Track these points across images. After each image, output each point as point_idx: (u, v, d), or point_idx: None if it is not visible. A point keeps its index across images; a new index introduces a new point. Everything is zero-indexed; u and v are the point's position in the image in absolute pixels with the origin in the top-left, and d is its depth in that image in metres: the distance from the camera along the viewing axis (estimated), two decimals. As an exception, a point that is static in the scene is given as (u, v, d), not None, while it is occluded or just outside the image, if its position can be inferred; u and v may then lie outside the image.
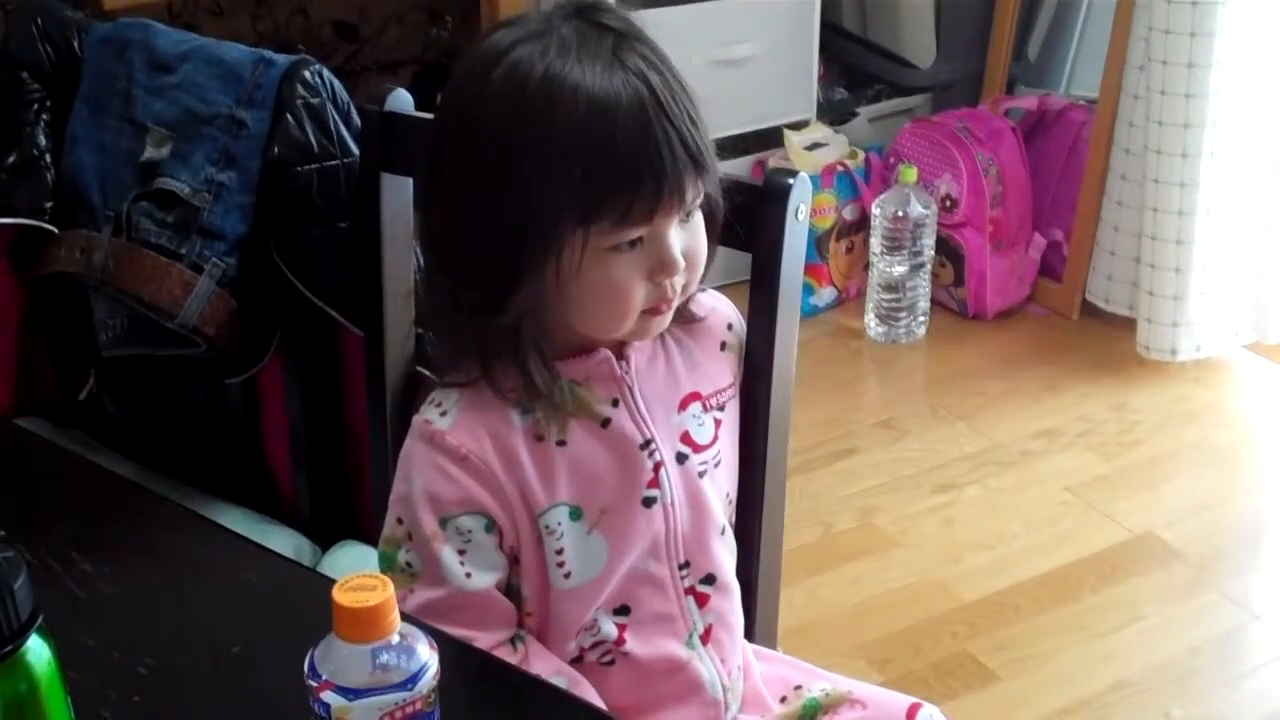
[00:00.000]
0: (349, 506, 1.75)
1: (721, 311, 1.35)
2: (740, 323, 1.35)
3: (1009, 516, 2.66)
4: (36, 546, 1.23)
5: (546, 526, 1.23)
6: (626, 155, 1.13)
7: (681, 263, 1.19)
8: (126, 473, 1.78)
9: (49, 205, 1.75)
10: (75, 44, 1.76)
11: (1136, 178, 3.04)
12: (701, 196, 1.20)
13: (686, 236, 1.20)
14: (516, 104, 1.14)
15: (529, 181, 1.13)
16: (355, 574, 0.91)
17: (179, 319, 1.59)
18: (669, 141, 1.14)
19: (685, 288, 1.23)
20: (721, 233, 1.26)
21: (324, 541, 1.75)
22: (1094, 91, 3.22)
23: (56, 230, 1.73)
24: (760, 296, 1.31)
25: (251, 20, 4.07)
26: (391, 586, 0.90)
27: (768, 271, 1.30)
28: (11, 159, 1.76)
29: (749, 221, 1.27)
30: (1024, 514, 2.66)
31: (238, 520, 1.73)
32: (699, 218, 1.22)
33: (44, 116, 1.76)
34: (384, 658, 0.90)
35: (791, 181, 1.27)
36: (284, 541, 1.72)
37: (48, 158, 1.75)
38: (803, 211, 1.28)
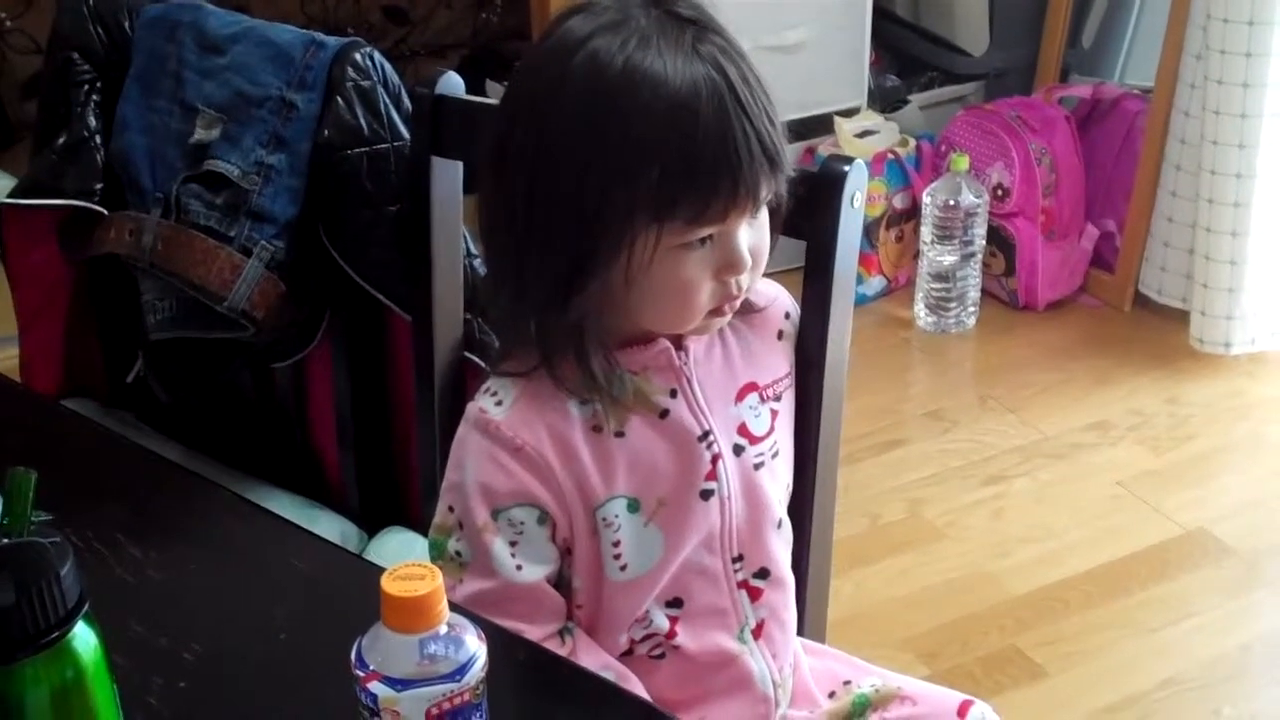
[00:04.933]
0: (396, 492, 1.75)
1: (779, 301, 1.33)
2: (797, 311, 1.34)
3: (1058, 510, 2.63)
4: (84, 530, 1.23)
5: (604, 519, 1.22)
6: (706, 155, 1.11)
7: (749, 261, 1.18)
8: (173, 456, 1.78)
9: (99, 187, 1.74)
10: (126, 25, 1.76)
11: (1192, 168, 3.00)
12: (773, 193, 1.18)
13: (753, 233, 1.18)
14: (595, 96, 1.11)
15: (605, 177, 1.11)
16: (404, 563, 0.90)
17: (227, 302, 1.58)
18: (748, 141, 1.12)
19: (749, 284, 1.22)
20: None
21: (371, 527, 1.75)
22: (1149, 80, 3.17)
23: (106, 212, 1.73)
24: (814, 285, 1.29)
25: (301, 3, 4.06)
26: (440, 576, 0.89)
27: (823, 259, 1.28)
28: (62, 140, 1.76)
29: (804, 209, 1.25)
30: (1074, 507, 2.63)
31: (284, 505, 1.73)
32: (764, 213, 1.20)
33: (94, 98, 1.76)
34: (432, 648, 0.89)
35: (847, 169, 1.25)
36: (330, 527, 1.71)
37: (98, 139, 1.75)
38: (858, 199, 1.27)
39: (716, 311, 1.21)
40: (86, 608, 0.78)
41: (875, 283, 3.31)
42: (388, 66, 1.61)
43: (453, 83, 1.44)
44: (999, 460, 2.76)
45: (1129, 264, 3.22)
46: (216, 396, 1.82)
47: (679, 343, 1.24)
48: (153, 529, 1.26)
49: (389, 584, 0.88)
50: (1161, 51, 3.08)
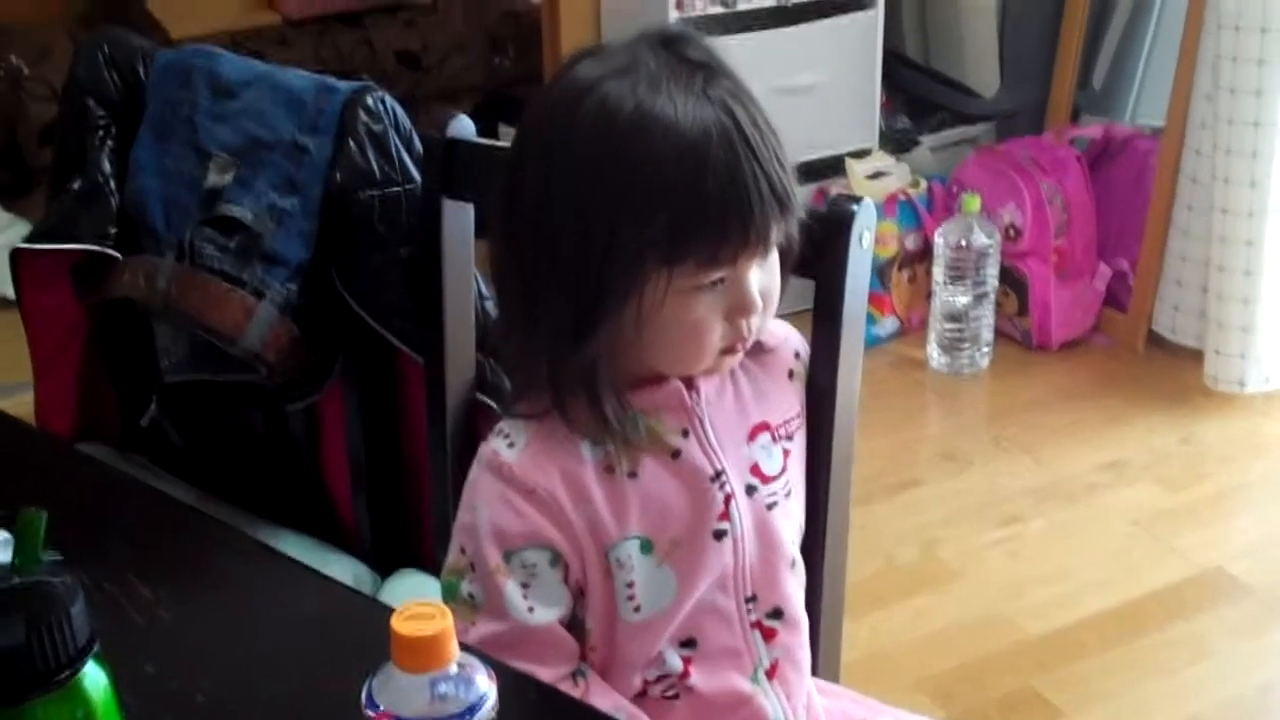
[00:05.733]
0: (409, 534, 1.75)
1: (790, 340, 1.33)
2: (807, 351, 1.34)
3: (1074, 550, 2.62)
4: (96, 572, 1.22)
5: (617, 560, 1.21)
6: (717, 200, 1.11)
7: (760, 303, 1.18)
8: (187, 499, 1.78)
9: (113, 231, 1.76)
10: (141, 71, 1.77)
11: (1204, 207, 3.00)
12: (783, 235, 1.18)
13: (764, 275, 1.19)
14: (605, 141, 1.12)
15: (615, 221, 1.11)
16: (414, 602, 0.89)
17: (240, 345, 1.59)
18: (758, 185, 1.12)
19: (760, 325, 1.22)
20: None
21: (384, 569, 1.75)
22: (1160, 120, 3.18)
23: (120, 256, 1.74)
24: (824, 324, 1.29)
25: (315, 49, 4.10)
26: (450, 615, 0.88)
27: (832, 299, 1.28)
28: (77, 185, 1.78)
29: (813, 248, 1.25)
30: (1089, 548, 2.62)
31: (298, 547, 1.73)
32: (775, 254, 1.20)
33: (109, 143, 1.77)
34: (442, 688, 0.89)
35: (855, 208, 1.25)
36: (343, 569, 1.71)
37: (112, 184, 1.76)
38: (866, 238, 1.27)
39: (728, 352, 1.21)
40: (96, 647, 0.78)
41: (888, 323, 3.31)
42: (399, 110, 1.62)
43: (464, 126, 1.45)
44: (1014, 501, 2.76)
45: (1142, 303, 3.22)
46: (230, 439, 1.83)
47: (690, 383, 1.24)
48: (164, 570, 1.26)
49: (399, 623, 0.88)
50: (1172, 91, 3.09)
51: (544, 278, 1.16)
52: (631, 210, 1.11)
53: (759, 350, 1.28)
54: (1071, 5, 3.38)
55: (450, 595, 1.23)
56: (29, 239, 1.80)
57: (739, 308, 1.17)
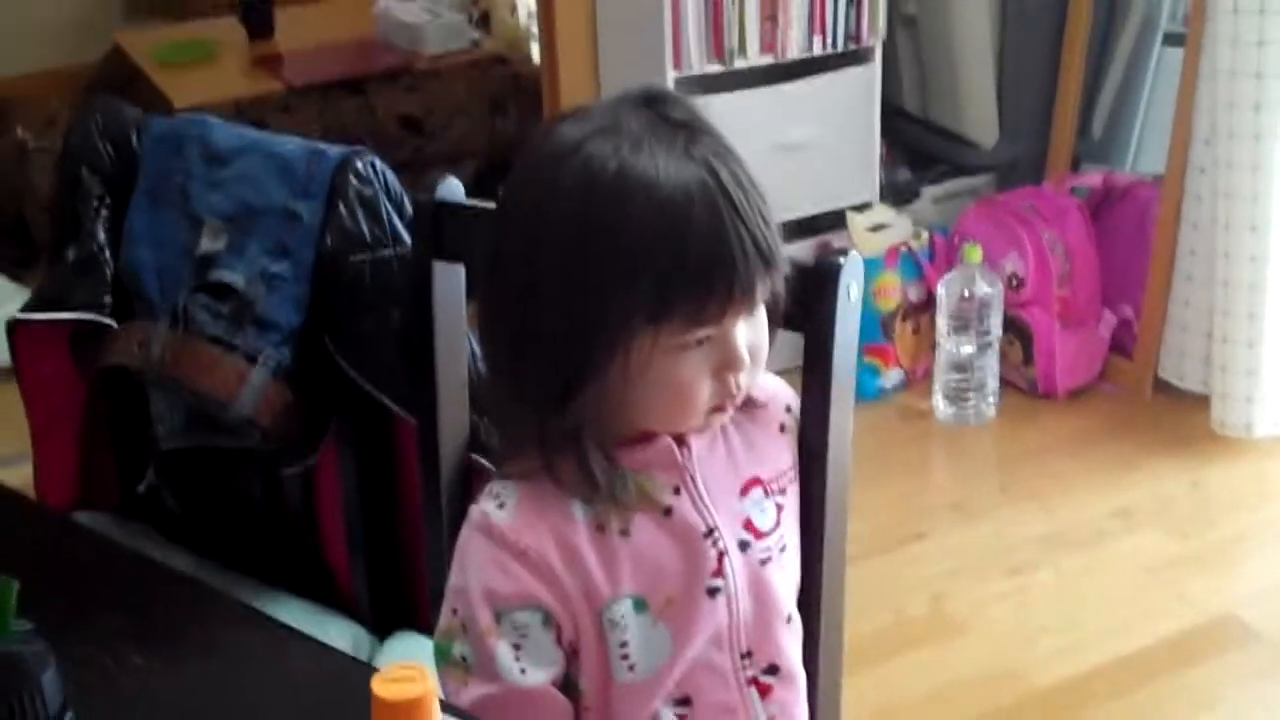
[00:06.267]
0: (407, 596, 1.74)
1: (780, 395, 1.33)
2: (798, 404, 1.33)
3: (1083, 599, 2.60)
4: (87, 641, 1.23)
5: (610, 620, 1.21)
6: (701, 258, 1.12)
7: (748, 360, 1.18)
8: (186, 566, 1.79)
9: (109, 300, 1.77)
10: (134, 140, 1.78)
11: (1206, 252, 3.00)
12: (769, 292, 1.18)
13: (751, 331, 1.19)
14: (588, 203, 1.12)
15: (600, 281, 1.12)
16: (395, 664, 0.89)
17: (233, 410, 1.59)
18: (742, 242, 1.12)
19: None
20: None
21: (382, 632, 1.74)
22: (1161, 167, 3.18)
23: (115, 324, 1.74)
24: (814, 378, 1.29)
25: (319, 115, 4.12)
26: (431, 678, 0.88)
27: (820, 352, 1.28)
28: (72, 254, 1.79)
29: (801, 302, 1.25)
30: (1098, 596, 2.61)
31: (296, 612, 1.72)
32: (762, 310, 1.20)
33: (104, 212, 1.78)
34: (426, 752, 0.89)
35: (842, 261, 1.25)
36: (341, 632, 1.70)
37: (107, 253, 1.77)
38: (854, 291, 1.27)
39: (717, 409, 1.21)
40: (70, 716, 0.78)
41: (893, 375, 3.30)
42: (389, 174, 1.63)
43: (452, 188, 1.45)
44: (1021, 550, 2.74)
45: (1147, 350, 3.21)
46: (227, 505, 1.83)
47: (681, 439, 1.24)
48: (156, 639, 1.26)
49: (380, 687, 0.88)
50: (1171, 137, 3.09)
51: (529, 339, 1.16)
52: (615, 270, 1.11)
53: (750, 405, 1.28)
54: (1069, 54, 3.39)
55: (443, 657, 1.22)
56: (25, 308, 1.81)
57: (727, 365, 1.17)
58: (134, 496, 1.90)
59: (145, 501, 1.88)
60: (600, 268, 1.11)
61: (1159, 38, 3.36)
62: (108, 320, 1.76)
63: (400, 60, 4.24)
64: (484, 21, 4.61)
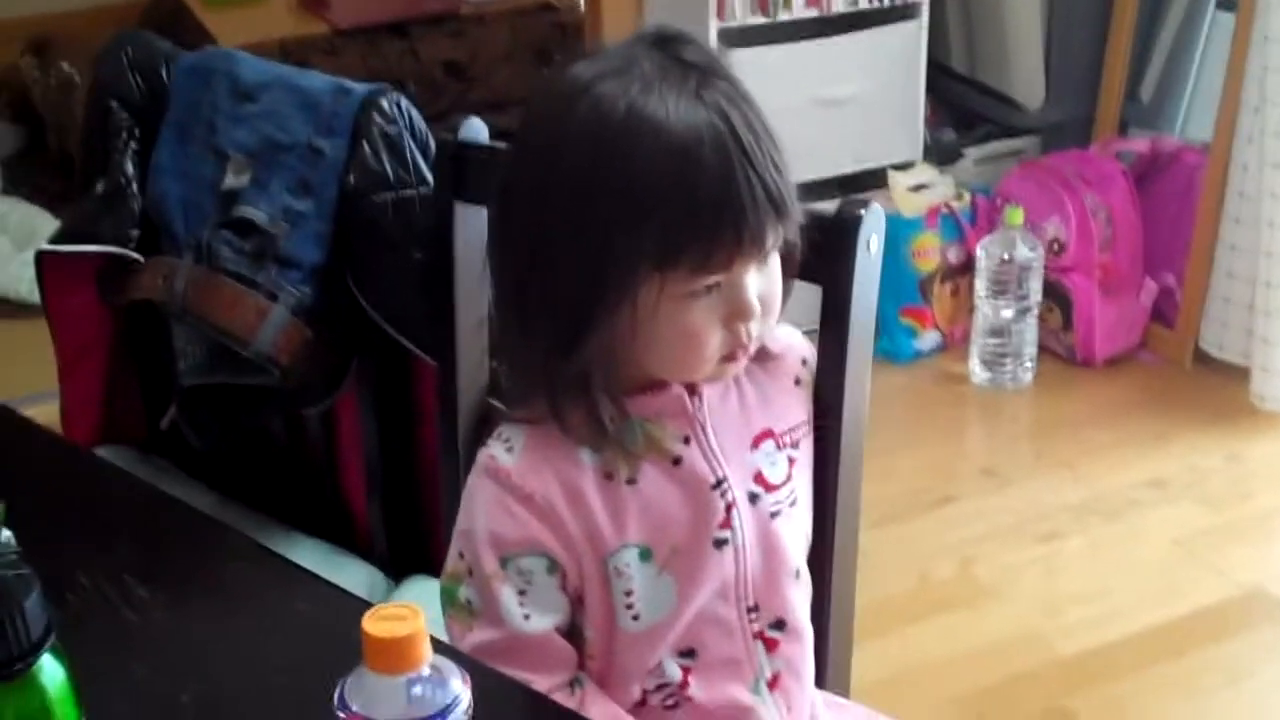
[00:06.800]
0: (423, 539, 1.73)
1: (796, 347, 1.31)
2: (814, 358, 1.31)
3: (1113, 569, 2.58)
4: (96, 573, 1.23)
5: (615, 568, 1.20)
6: (708, 203, 1.10)
7: (758, 308, 1.16)
8: (206, 503, 1.79)
9: (135, 233, 1.76)
10: (164, 73, 1.77)
11: (1251, 222, 2.95)
12: (781, 241, 1.16)
13: (763, 280, 1.17)
14: (597, 144, 1.11)
15: (607, 225, 1.10)
16: (388, 604, 0.88)
17: (252, 347, 1.59)
18: (751, 189, 1.10)
19: (761, 331, 1.19)
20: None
21: (398, 574, 1.73)
22: (1209, 134, 3.13)
23: (141, 258, 1.74)
24: (830, 332, 1.27)
25: (363, 58, 4.11)
26: (421, 616, 0.87)
27: (838, 305, 1.26)
28: (100, 188, 1.78)
29: (819, 254, 1.23)
30: (1129, 566, 2.58)
31: (312, 553, 1.72)
32: (775, 259, 1.18)
33: (133, 145, 1.77)
34: (415, 690, 0.88)
35: (862, 212, 1.23)
36: (358, 574, 1.70)
37: (134, 186, 1.76)
38: (875, 243, 1.25)
39: (729, 358, 1.19)
40: (52, 640, 0.77)
41: (930, 338, 3.27)
42: (415, 113, 1.62)
43: (475, 128, 1.44)
44: (1053, 518, 2.71)
45: (1189, 320, 3.17)
46: (248, 443, 1.82)
47: (693, 389, 1.22)
48: (163, 573, 1.25)
49: (371, 624, 0.87)
50: (1219, 104, 3.04)
51: (538, 281, 1.15)
52: (622, 213, 1.09)
53: (764, 356, 1.26)
54: (1119, 16, 3.33)
55: (449, 600, 1.22)
56: (52, 240, 1.80)
57: (737, 313, 1.15)
58: (157, 432, 1.90)
59: (168, 438, 1.87)
60: (607, 209, 1.10)
61: (1213, 1, 3.30)
62: (134, 254, 1.75)
63: (446, 5, 4.22)
64: (535, -33, 4.58)
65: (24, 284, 3.37)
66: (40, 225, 3.58)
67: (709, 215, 1.09)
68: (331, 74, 1.73)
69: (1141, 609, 2.46)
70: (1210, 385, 3.11)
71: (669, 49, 1.14)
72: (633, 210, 1.09)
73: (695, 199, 1.09)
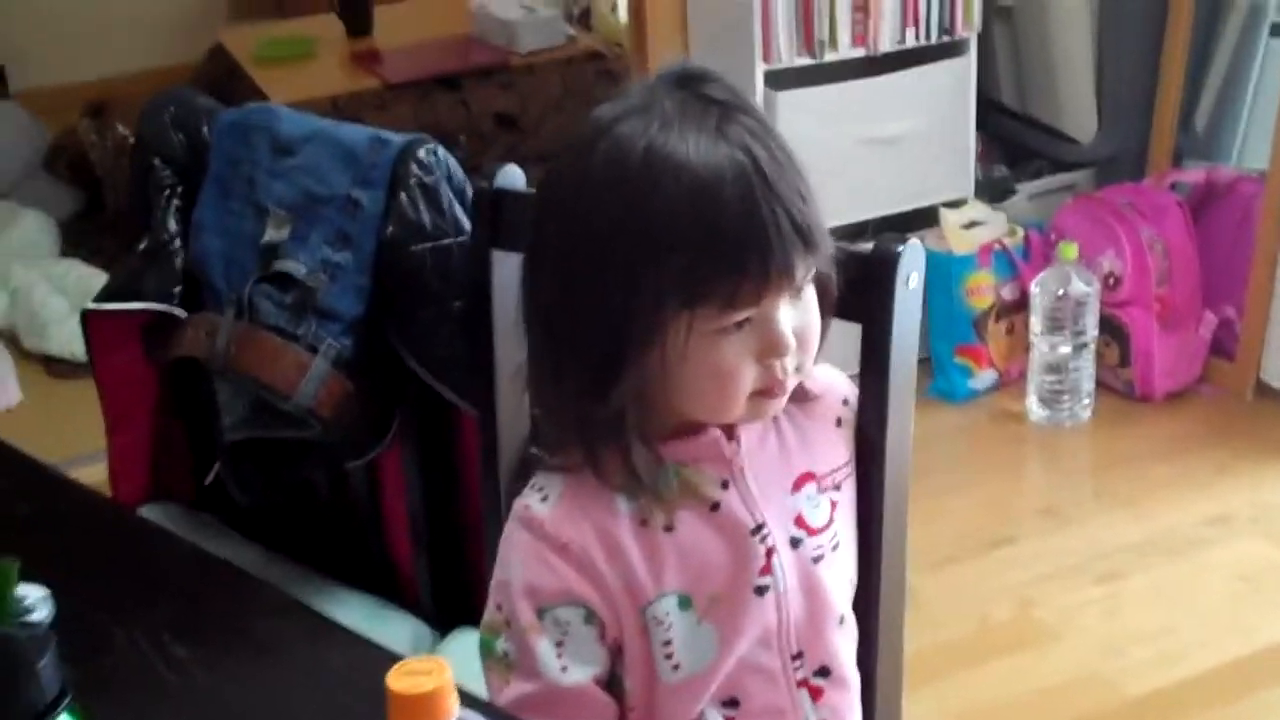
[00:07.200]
0: (469, 591, 1.72)
1: (837, 387, 1.29)
2: (856, 397, 1.29)
3: (1177, 608, 2.52)
4: (134, 630, 1.22)
5: (654, 617, 1.18)
6: (732, 237, 1.08)
7: (792, 343, 1.14)
8: (251, 559, 1.78)
9: (178, 290, 1.77)
10: (205, 131, 1.78)
11: (1311, 251, 2.90)
12: (812, 273, 1.14)
13: (797, 315, 1.15)
14: (618, 185, 1.10)
15: (631, 265, 1.09)
16: (414, 658, 0.87)
17: (294, 401, 1.58)
18: (776, 220, 1.09)
19: (799, 368, 1.17)
20: (836, 306, 1.21)
21: (445, 627, 1.72)
22: (1265, 163, 3.08)
23: (184, 314, 1.75)
24: (871, 370, 1.25)
25: (414, 113, 4.13)
26: (448, 670, 0.86)
27: (878, 344, 1.24)
28: (144, 245, 1.79)
29: (858, 291, 1.21)
30: (1193, 605, 2.53)
31: (358, 607, 1.71)
32: (811, 293, 1.16)
33: (175, 202, 1.79)
34: (443, 746, 0.86)
35: (900, 248, 1.21)
36: (403, 628, 1.69)
37: (177, 243, 1.77)
38: (914, 280, 1.23)
39: (765, 395, 1.16)
40: (69, 700, 0.76)
41: (986, 376, 3.23)
42: (452, 162, 1.62)
43: (513, 176, 1.43)
44: (1114, 557, 2.66)
45: (1250, 351, 3.11)
46: (293, 498, 1.82)
47: (730, 432, 1.20)
48: (202, 632, 1.25)
49: (394, 680, 0.86)
50: (1275, 132, 3.00)
51: (567, 324, 1.14)
52: (647, 251, 1.08)
53: (803, 397, 1.24)
54: (1171, 46, 3.29)
55: (487, 653, 1.20)
56: (97, 298, 1.82)
57: (770, 349, 1.13)
58: (205, 489, 1.90)
59: (215, 494, 1.87)
60: (629, 249, 1.09)
61: (1266, 28, 3.25)
62: (178, 310, 1.76)
63: (496, 57, 4.24)
64: (584, 19, 4.61)
65: (79, 344, 3.39)
66: (96, 286, 3.60)
67: (733, 249, 1.08)
68: (383, 128, 1.73)
69: (1207, 648, 2.41)
70: (1273, 417, 3.06)
71: (691, 87, 1.13)
72: (655, 249, 1.08)
73: (718, 234, 1.08)
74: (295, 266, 1.62)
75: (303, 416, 1.59)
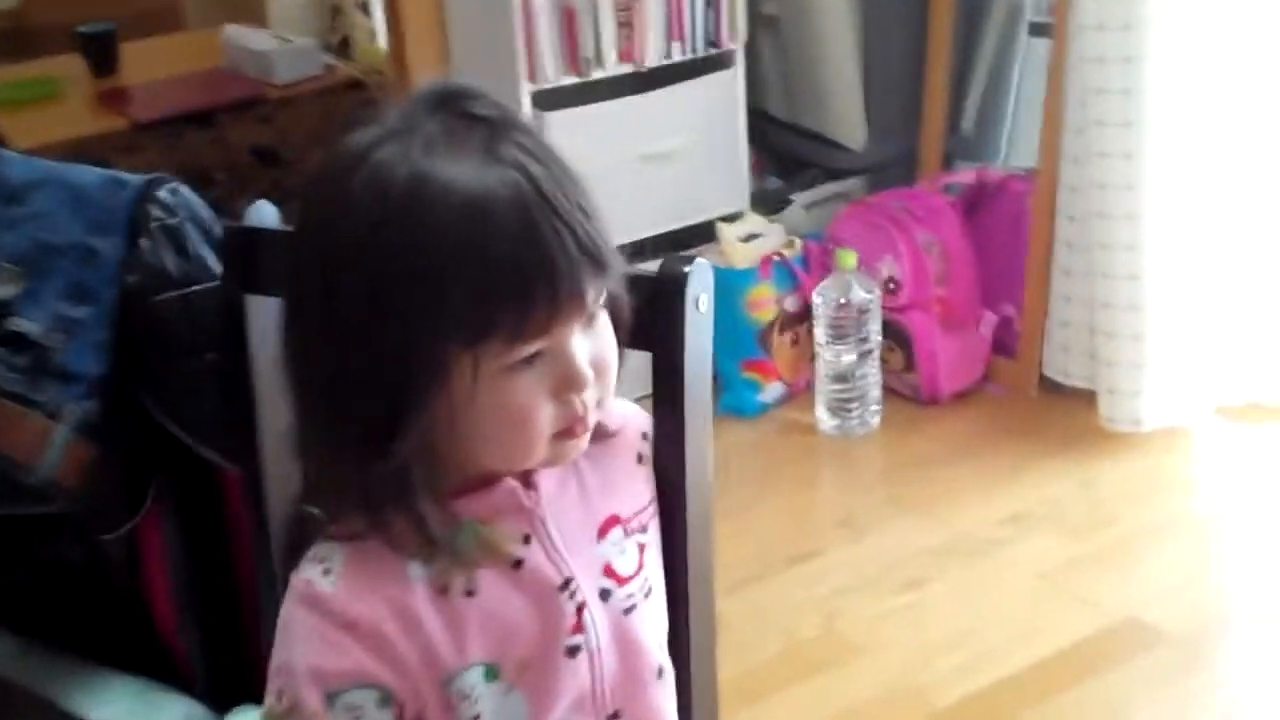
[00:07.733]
0: (248, 665, 1.59)
1: (633, 420, 1.20)
2: (653, 430, 1.21)
3: (980, 610, 2.51)
4: None
5: (459, 692, 1.08)
6: (513, 263, 0.98)
7: (589, 375, 1.05)
8: (6, 650, 1.62)
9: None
10: (-76, 180, 1.62)
11: (1083, 245, 2.93)
12: (604, 296, 1.05)
13: (592, 344, 1.06)
14: (379, 217, 0.99)
15: (402, 305, 0.99)
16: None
17: (36, 474, 1.44)
18: (560, 241, 0.99)
19: (599, 402, 1.08)
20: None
21: (223, 706, 1.59)
22: (1034, 160, 3.11)
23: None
24: (665, 399, 1.17)
25: (167, 153, 3.95)
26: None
27: (671, 369, 1.16)
28: None
29: (648, 317, 1.13)
30: (995, 606, 2.52)
31: (124, 693, 1.56)
32: (604, 319, 1.07)
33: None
34: None
35: (688, 269, 1.13)
36: (176, 711, 1.55)
37: (-103, 306, 1.60)
38: (704, 301, 1.15)
39: (568, 434, 1.07)
40: None
41: (774, 389, 3.20)
42: (197, 201, 1.49)
43: (264, 213, 1.32)
44: (913, 562, 2.65)
45: (1031, 348, 3.14)
46: (46, 577, 1.66)
47: (528, 480, 1.11)
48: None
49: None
50: (1042, 128, 3.03)
51: (337, 375, 1.02)
52: (419, 289, 0.98)
53: (601, 435, 1.14)
54: (934, 50, 3.31)
55: (270, 745, 1.08)
56: None
57: (566, 383, 1.04)
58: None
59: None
60: (399, 289, 0.98)
61: (1025, 28, 3.30)
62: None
63: (251, 90, 4.08)
64: (343, 47, 4.48)
65: None
66: None
67: (515, 277, 0.98)
68: (133, 170, 1.59)
69: (1013, 650, 2.39)
70: (1058, 412, 3.09)
71: (454, 105, 1.03)
72: (428, 284, 0.98)
73: (497, 262, 0.98)
74: (29, 325, 1.47)
75: (47, 489, 1.44)
